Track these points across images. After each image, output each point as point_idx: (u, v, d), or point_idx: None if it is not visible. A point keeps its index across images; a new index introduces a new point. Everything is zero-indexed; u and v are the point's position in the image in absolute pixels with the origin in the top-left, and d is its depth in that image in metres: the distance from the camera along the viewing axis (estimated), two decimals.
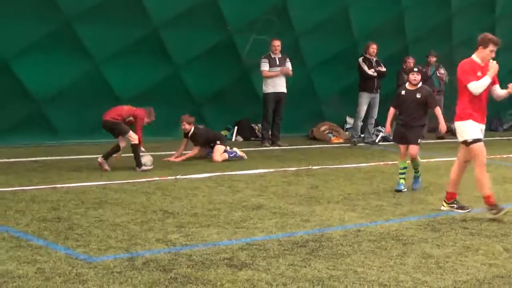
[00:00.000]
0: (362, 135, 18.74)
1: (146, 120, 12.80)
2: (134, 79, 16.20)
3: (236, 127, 18.14)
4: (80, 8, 14.88)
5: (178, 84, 17.06)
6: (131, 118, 12.62)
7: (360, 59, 17.97)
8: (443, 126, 11.42)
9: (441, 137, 19.83)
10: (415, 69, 11.30)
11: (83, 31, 15.17)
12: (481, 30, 21.32)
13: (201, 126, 14.71)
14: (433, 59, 20.04)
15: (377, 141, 18.68)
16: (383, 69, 18.04)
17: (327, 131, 18.87)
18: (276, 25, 17.83)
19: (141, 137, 12.66)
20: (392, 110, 11.51)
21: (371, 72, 17.81)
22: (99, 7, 15.02)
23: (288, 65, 17.02)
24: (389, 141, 18.89)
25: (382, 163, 14.61)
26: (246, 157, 14.32)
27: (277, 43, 16.93)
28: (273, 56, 16.96)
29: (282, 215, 9.20)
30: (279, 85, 16.91)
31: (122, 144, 12.64)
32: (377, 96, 18.13)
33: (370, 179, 12.46)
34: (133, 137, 12.48)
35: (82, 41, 15.28)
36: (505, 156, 16.65)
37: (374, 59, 18.05)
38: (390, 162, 14.63)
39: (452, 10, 20.71)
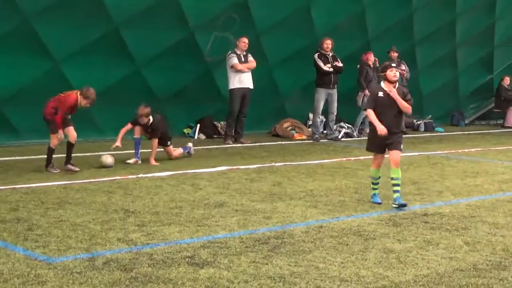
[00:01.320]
0: (325, 132, 18.80)
1: (83, 102, 12.01)
2: (94, 77, 16.02)
3: (198, 125, 18.07)
4: (39, 6, 14.70)
5: (139, 82, 16.96)
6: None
7: (316, 55, 17.97)
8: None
9: (403, 132, 19.96)
10: (393, 65, 9.91)
11: (43, 30, 15.00)
12: (442, 26, 21.80)
13: (158, 116, 13.81)
14: (394, 55, 20.12)
15: (339, 137, 18.74)
16: (340, 64, 18.04)
17: (290, 127, 18.90)
18: (237, 22, 17.80)
19: (59, 121, 11.95)
20: (372, 112, 9.83)
21: (326, 68, 17.82)
22: (58, 5, 14.85)
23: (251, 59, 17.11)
24: (351, 137, 19.00)
25: (344, 159, 14.66)
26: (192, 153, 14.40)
27: (246, 40, 17.00)
28: (238, 52, 16.97)
29: (244, 212, 9.19)
30: (245, 81, 16.93)
31: (67, 139, 12.26)
32: (334, 91, 18.13)
33: (333, 175, 12.49)
34: (52, 140, 12.08)
35: (41, 40, 15.11)
36: (466, 150, 16.80)
37: (330, 54, 18.06)
38: (353, 158, 14.70)
39: (413, 6, 20.81)
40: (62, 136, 12.05)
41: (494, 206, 10.10)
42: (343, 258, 7.20)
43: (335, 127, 18.76)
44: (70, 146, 12.13)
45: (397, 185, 9.77)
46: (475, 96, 25.42)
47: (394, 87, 9.82)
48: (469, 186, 11.76)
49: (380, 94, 9.83)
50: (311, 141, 18.10)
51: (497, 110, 25.07)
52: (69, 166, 12.02)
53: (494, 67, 25.01)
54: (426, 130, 22.03)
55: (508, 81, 24.45)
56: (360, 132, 19.56)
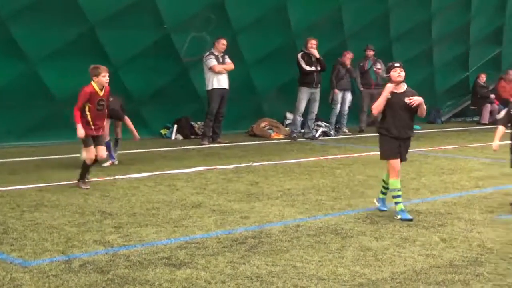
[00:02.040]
0: (302, 130, 18.80)
1: (99, 78, 10.81)
2: (70, 79, 15.90)
3: (175, 126, 18.04)
4: (13, 7, 14.59)
5: (116, 84, 16.81)
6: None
7: (299, 55, 17.99)
8: None
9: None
10: (397, 64, 9.06)
11: (17, 31, 14.89)
12: (418, 24, 21.88)
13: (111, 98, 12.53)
14: (371, 53, 20.21)
15: (317, 136, 18.75)
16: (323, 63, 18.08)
17: (267, 127, 18.88)
18: (214, 22, 17.77)
19: (77, 113, 10.76)
20: (376, 104, 9.21)
21: (308, 67, 17.84)
22: (33, 6, 14.74)
23: (229, 61, 17.09)
24: (329, 136, 19.02)
25: (322, 157, 14.66)
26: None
27: (225, 42, 16.95)
28: (216, 53, 16.93)
29: (221, 212, 9.17)
30: (222, 82, 16.90)
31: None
32: (317, 91, 18.17)
33: (310, 174, 12.49)
34: (84, 154, 11.10)
35: (16, 41, 14.99)
36: (443, 147, 16.87)
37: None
38: (330, 157, 14.71)
39: (389, 4, 20.88)
40: (82, 132, 10.69)
41: (470, 202, 10.15)
42: (320, 256, 7.20)
43: (312, 125, 18.76)
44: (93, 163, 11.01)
45: (387, 189, 9.38)
46: (451, 93, 25.53)
47: (400, 87, 9.06)
48: (446, 183, 11.81)
49: (388, 95, 9.03)
50: (289, 140, 18.09)
51: (473, 107, 25.19)
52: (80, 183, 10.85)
53: (469, 65, 25.15)
54: None
55: (484, 79, 24.57)
56: (337, 131, 19.61)
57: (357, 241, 7.85)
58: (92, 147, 10.87)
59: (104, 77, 10.88)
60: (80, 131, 10.68)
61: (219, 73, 16.78)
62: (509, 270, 6.88)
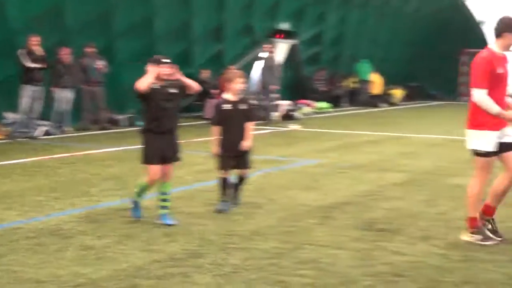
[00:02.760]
0: (24, 130, 18.18)
1: None
2: None
3: None
4: None
5: None
6: None
7: (21, 51, 17.41)
8: None
9: (104, 128, 19.93)
10: (165, 60, 8.96)
11: None
12: (140, 21, 21.98)
13: None
14: (90, 50, 19.96)
15: (39, 135, 18.19)
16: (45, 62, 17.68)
17: None
18: None
19: None
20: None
21: (30, 63, 17.34)
22: None
23: None
24: (52, 135, 18.50)
25: (46, 157, 14.24)
26: None
27: None
28: None
29: None
30: None
31: None
32: (40, 89, 17.72)
33: (31, 175, 12.10)
34: None
35: None
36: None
37: (37, 51, 17.57)
38: (53, 156, 14.34)
39: (112, 0, 20.79)
40: None
41: (192, 196, 10.38)
42: (39, 259, 7.01)
43: (34, 124, 18.20)
44: None
45: (167, 199, 8.86)
46: None
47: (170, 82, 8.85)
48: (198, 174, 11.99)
49: (155, 86, 8.72)
50: (9, 140, 17.34)
51: (197, 103, 25.75)
52: None
53: (193, 61, 25.65)
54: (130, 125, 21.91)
55: (206, 74, 25.21)
56: (60, 130, 19.12)
57: (78, 241, 7.73)
58: None
59: None
60: None
61: None
62: (226, 260, 7.10)
